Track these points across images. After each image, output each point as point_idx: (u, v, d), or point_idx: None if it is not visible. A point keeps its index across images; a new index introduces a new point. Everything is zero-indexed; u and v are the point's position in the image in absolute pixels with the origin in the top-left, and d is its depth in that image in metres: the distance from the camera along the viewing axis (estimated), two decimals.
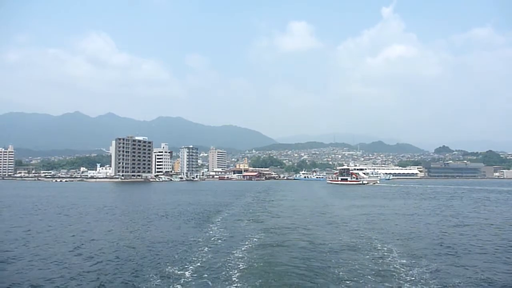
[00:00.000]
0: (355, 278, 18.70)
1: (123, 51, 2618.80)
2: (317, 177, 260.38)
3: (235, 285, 17.30)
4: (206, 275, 18.79)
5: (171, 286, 17.13)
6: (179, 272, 19.20)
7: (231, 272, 19.31)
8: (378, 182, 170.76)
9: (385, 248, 25.53)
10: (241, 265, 20.82)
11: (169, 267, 20.18)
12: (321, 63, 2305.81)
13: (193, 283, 17.61)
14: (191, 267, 20.22)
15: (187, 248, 25.27)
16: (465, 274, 19.57)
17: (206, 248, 25.35)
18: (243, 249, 25.15)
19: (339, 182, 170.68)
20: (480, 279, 18.55)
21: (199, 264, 21.01)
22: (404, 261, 22.04)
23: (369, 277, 18.95)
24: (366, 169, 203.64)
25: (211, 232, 32.13)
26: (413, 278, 18.48)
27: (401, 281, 18.09)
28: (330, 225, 37.55)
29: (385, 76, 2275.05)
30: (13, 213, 48.04)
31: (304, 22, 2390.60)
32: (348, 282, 18.14)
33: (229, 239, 28.73)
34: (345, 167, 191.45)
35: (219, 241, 28.16)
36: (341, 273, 19.63)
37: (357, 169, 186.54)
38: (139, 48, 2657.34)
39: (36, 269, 19.93)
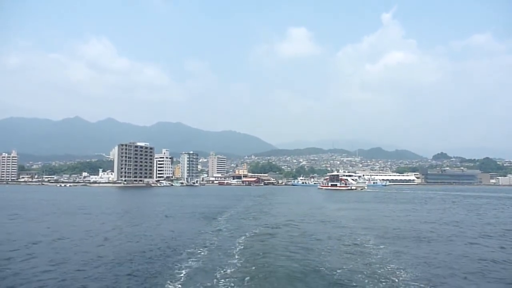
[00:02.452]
0: (334, 255, 24.43)
1: (123, 56, 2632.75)
2: (314, 183, 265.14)
3: (237, 257, 23.34)
4: (217, 253, 24.66)
5: (195, 258, 23.16)
6: (198, 251, 25.23)
7: (234, 251, 25.23)
8: (365, 187, 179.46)
9: (365, 237, 31.27)
10: (241, 246, 26.93)
11: (191, 248, 26.23)
12: (320, 69, 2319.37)
13: (208, 257, 23.50)
14: (206, 248, 26.11)
15: (201, 237, 31.16)
16: (416, 252, 25.51)
17: (215, 237, 31.12)
18: (243, 237, 30.97)
19: (329, 188, 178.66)
20: (424, 256, 24.37)
21: (211, 247, 26.84)
22: (376, 245, 27.82)
23: (346, 254, 24.73)
24: (354, 175, 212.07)
25: (218, 227, 37.67)
26: (379, 256, 24.12)
27: (369, 257, 23.80)
28: (320, 221, 43.47)
29: (384, 82, 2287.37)
30: (48, 214, 53.61)
31: (304, 28, 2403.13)
32: (326, 256, 23.77)
33: (233, 231, 34.47)
34: (335, 173, 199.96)
35: (225, 232, 33.96)
36: (322, 252, 25.33)
37: (346, 175, 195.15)
38: (139, 53, 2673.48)
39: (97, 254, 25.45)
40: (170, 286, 17.47)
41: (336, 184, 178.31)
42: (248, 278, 18.82)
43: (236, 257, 23.54)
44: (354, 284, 18.08)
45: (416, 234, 33.91)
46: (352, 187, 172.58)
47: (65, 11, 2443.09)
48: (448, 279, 19.28)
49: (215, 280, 18.39)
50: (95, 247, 26.89)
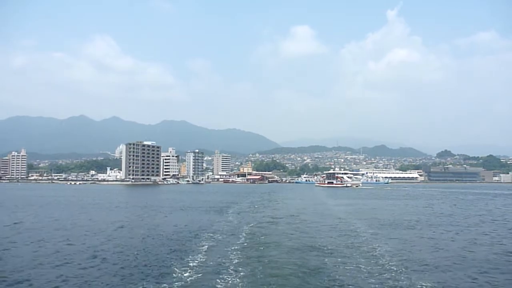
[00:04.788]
0: (327, 236, 29.64)
1: (127, 55, 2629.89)
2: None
3: (243, 239, 28.55)
4: (228, 235, 30.05)
5: (211, 238, 28.54)
6: (215, 235, 30.36)
7: (242, 234, 30.59)
8: (360, 185, 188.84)
9: (355, 225, 36.57)
10: (248, 231, 32.44)
11: (208, 232, 31.61)
12: (324, 67, 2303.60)
13: (221, 238, 28.83)
14: (219, 232, 31.52)
15: (215, 225, 36.63)
16: (394, 235, 30.77)
17: (226, 225, 36.50)
18: (251, 225, 36.42)
19: (325, 185, 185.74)
20: (398, 237, 29.65)
21: (223, 231, 32.25)
22: (363, 229, 33.23)
23: (338, 236, 29.95)
24: (350, 173, 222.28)
25: (228, 218, 43.07)
26: (364, 238, 29.24)
27: (355, 238, 29.02)
28: (317, 213, 49.11)
29: (388, 80, 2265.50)
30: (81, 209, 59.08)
31: (307, 26, 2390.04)
32: (320, 238, 28.90)
33: (241, 221, 39.85)
34: (331, 171, 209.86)
35: (234, 222, 39.35)
36: (317, 234, 30.55)
37: (342, 173, 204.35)
38: (143, 52, 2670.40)
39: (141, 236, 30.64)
40: (196, 256, 22.62)
41: (333, 182, 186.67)
42: (252, 252, 23.97)
43: (243, 238, 28.86)
44: (343, 254, 23.18)
45: (398, 223, 39.27)
46: (348, 185, 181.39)
47: (68, 10, 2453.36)
48: (411, 252, 24.33)
49: (228, 252, 23.69)
50: (137, 231, 33.51)
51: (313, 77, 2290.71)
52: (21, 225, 36.36)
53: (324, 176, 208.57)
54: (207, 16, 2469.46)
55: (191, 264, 20.69)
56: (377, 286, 16.90)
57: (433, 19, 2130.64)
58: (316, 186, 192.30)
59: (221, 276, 18.24)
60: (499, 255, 23.58)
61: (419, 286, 16.80)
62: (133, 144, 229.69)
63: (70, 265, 20.78)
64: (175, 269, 19.61)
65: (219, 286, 16.92)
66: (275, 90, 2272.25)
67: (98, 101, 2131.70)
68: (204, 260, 21.57)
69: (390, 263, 20.91)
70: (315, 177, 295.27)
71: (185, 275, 18.55)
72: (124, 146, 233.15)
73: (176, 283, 17.24)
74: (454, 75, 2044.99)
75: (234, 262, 21.14)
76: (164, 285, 16.95)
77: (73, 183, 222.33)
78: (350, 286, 16.89)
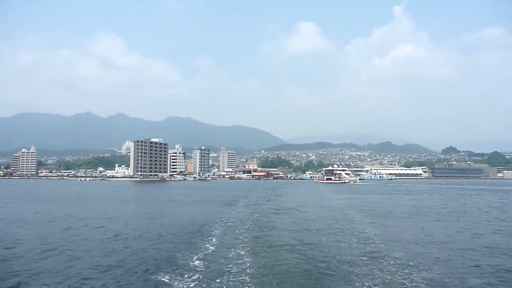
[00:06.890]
0: (323, 223, 34.03)
1: (133, 52, 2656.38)
2: None
3: (250, 224, 33.19)
4: (237, 223, 34.39)
5: (223, 225, 32.94)
6: (226, 222, 34.94)
7: (249, 222, 34.95)
8: (358, 181, 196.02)
9: (352, 215, 40.83)
10: (254, 219, 37.00)
11: (219, 221, 36.00)
12: (329, 64, 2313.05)
13: (231, 225, 33.22)
14: (229, 221, 36.00)
15: (225, 215, 40.97)
16: (385, 222, 35.17)
17: (236, 216, 40.74)
18: (256, 214, 41.00)
19: (324, 181, 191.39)
20: (388, 224, 33.90)
21: (232, 220, 36.73)
22: (357, 218, 37.63)
23: (332, 223, 34.32)
24: (348, 169, 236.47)
25: (237, 209, 47.52)
26: (357, 225, 33.34)
27: (350, 225, 33.17)
28: (316, 205, 53.80)
29: (394, 76, 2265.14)
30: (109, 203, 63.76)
31: (312, 23, 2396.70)
32: (317, 224, 33.23)
33: (248, 212, 44.38)
34: (330, 168, 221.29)
35: (243, 212, 43.79)
36: (315, 222, 34.83)
37: (340, 170, 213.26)
38: (148, 49, 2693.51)
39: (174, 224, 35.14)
40: (211, 238, 26.91)
41: (331, 178, 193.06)
42: (258, 233, 28.34)
43: (250, 224, 33.51)
44: (337, 235, 27.50)
45: (389, 214, 43.63)
46: (345, 181, 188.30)
47: (73, 7, 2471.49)
48: (395, 234, 28.46)
49: (238, 233, 28.29)
50: (162, 219, 38.60)
51: (318, 73, 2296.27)
52: (90, 215, 41.76)
53: (323, 173, 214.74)
54: (211, 13, 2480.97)
55: (210, 241, 25.25)
56: (363, 256, 21.09)
57: (440, 14, 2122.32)
58: (316, 182, 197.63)
59: (233, 249, 22.74)
60: (470, 238, 27.67)
61: (394, 255, 21.06)
62: (141, 142, 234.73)
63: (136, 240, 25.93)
64: (199, 244, 24.34)
65: (231, 255, 21.31)
66: (280, 87, 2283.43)
67: (104, 98, 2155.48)
68: (220, 238, 26.15)
69: (375, 242, 25.06)
70: (319, 174, 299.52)
71: (210, 248, 23.14)
72: (132, 143, 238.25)
73: (203, 252, 22.00)
74: (460, 71, 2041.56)
75: (243, 240, 25.69)
76: (192, 254, 21.30)
77: (83, 179, 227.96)
78: (342, 256, 21.10)
